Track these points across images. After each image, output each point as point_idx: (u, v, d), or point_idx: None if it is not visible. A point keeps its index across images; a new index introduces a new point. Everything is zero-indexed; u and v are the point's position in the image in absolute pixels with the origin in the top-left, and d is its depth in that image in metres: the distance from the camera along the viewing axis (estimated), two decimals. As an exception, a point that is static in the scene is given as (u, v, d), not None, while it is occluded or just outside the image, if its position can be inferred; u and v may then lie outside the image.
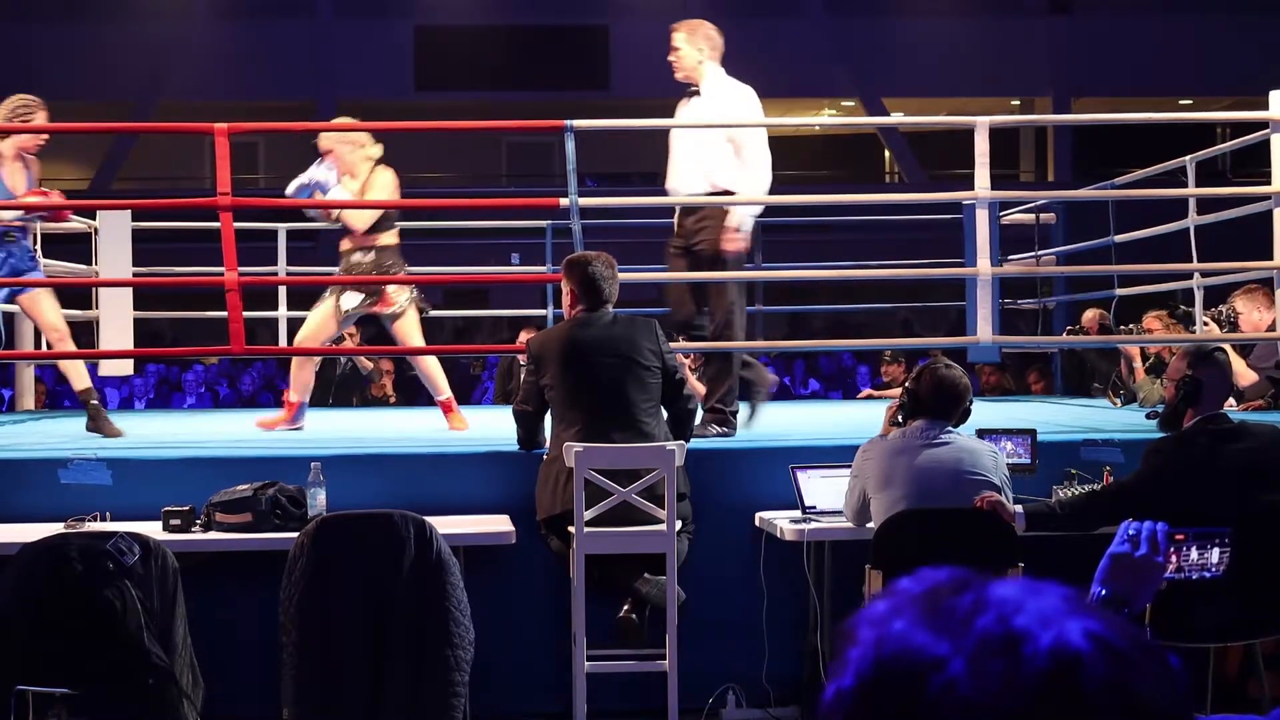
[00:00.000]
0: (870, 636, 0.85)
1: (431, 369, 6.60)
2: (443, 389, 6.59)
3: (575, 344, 4.89)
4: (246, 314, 5.74)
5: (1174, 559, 2.54)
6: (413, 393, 14.03)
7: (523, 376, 5.17)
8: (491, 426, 6.11)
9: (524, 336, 8.97)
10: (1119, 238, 8.06)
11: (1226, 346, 5.37)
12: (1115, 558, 2.02)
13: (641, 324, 4.99)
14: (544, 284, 9.43)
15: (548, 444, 4.97)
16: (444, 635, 4.21)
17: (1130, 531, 2.04)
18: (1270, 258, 6.17)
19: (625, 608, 4.73)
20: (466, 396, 12.81)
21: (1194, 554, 2.69)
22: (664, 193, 5.99)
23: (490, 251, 13.31)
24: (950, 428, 4.49)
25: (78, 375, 6.38)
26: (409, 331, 6.49)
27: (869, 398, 9.87)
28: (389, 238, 6.51)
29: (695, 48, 5.88)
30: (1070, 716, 0.81)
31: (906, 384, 4.65)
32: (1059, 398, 9.23)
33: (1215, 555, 2.69)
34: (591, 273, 4.98)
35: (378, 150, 6.50)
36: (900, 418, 4.63)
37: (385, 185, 6.46)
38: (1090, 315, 8.37)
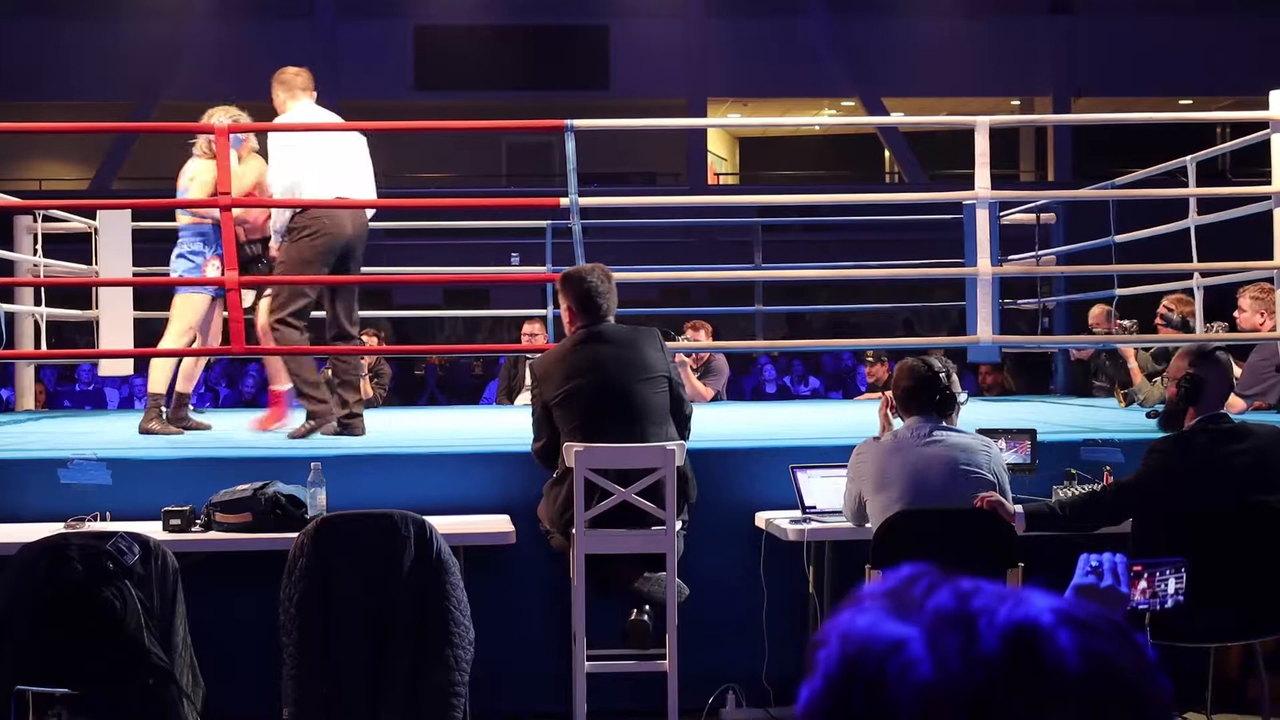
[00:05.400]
0: (836, 635, 0.83)
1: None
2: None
3: (579, 364, 4.78)
4: (247, 314, 5.74)
5: (1135, 589, 2.57)
6: (410, 393, 14.04)
7: (530, 404, 5.03)
8: (491, 426, 6.10)
9: (527, 328, 8.96)
10: (1119, 238, 8.05)
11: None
12: (1081, 589, 2.03)
13: (645, 334, 4.89)
14: (544, 284, 9.43)
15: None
16: (444, 635, 4.20)
17: (1093, 563, 2.05)
18: (1270, 258, 6.17)
19: (635, 611, 4.72)
20: (468, 397, 12.81)
21: (1154, 585, 2.72)
22: (663, 193, 5.98)
23: (490, 251, 13.30)
24: (942, 423, 4.47)
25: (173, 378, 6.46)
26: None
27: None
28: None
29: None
30: (1035, 691, 0.77)
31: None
32: (1059, 397, 9.22)
33: (1171, 585, 2.70)
34: (587, 288, 4.85)
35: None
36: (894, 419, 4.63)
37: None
38: (1097, 311, 8.36)
